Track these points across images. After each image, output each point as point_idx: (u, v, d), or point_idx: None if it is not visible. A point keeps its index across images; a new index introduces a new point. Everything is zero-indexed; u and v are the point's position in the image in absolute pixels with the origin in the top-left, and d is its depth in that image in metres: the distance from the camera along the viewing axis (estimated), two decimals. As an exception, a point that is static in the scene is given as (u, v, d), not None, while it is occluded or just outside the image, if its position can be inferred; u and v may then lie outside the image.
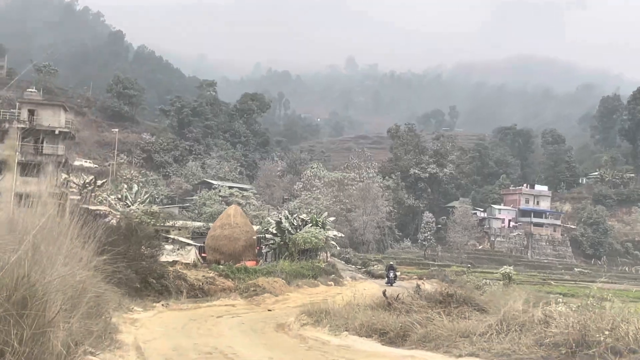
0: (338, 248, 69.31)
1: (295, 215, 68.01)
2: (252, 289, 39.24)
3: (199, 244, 72.39)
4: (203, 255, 70.04)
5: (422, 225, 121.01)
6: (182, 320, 25.25)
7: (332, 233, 65.69)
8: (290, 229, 64.76)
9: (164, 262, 55.90)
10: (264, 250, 71.46)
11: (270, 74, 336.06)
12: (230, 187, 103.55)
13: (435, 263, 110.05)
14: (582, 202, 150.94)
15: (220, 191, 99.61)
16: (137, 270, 36.18)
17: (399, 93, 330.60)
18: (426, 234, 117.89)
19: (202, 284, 42.19)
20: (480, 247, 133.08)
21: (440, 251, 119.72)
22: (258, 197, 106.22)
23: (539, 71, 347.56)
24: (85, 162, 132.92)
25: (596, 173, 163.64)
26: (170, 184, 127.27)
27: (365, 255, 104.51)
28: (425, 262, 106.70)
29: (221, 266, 49.67)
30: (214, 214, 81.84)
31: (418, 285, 28.25)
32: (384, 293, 26.11)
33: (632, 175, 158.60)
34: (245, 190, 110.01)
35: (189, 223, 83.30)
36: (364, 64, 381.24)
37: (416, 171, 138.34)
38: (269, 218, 71.50)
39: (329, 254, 75.10)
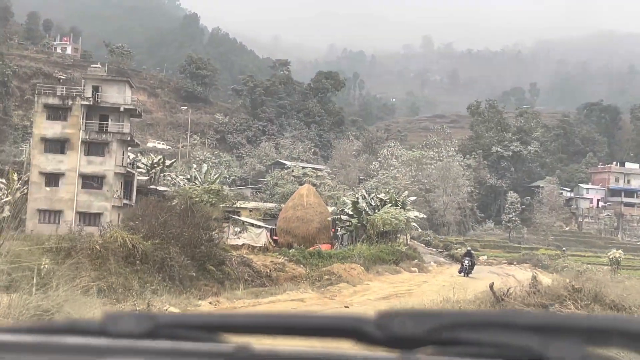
0: (419, 230, 63.27)
1: (372, 195, 62.23)
2: (325, 277, 33.67)
3: (271, 226, 67.59)
4: (275, 238, 65.18)
5: (506, 205, 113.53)
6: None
7: (413, 214, 59.70)
8: (367, 209, 59.05)
9: (232, 245, 51.06)
10: (339, 233, 66.05)
11: (345, 55, 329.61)
12: (303, 167, 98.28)
13: (521, 246, 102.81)
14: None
15: (293, 171, 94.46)
16: (194, 255, 31.04)
17: (477, 71, 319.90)
18: (511, 215, 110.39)
19: (270, 271, 36.87)
20: (567, 229, 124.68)
21: (526, 233, 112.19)
22: (333, 178, 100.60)
23: (622, 47, 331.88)
24: (158, 143, 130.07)
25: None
26: (243, 165, 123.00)
27: (446, 238, 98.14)
28: (510, 245, 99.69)
29: (292, 250, 44.35)
30: (287, 195, 76.75)
31: (534, 277, 22.17)
32: (490, 287, 20.24)
33: None
34: (320, 170, 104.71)
35: (261, 204, 78.49)
36: (440, 42, 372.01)
37: (498, 149, 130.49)
38: (344, 198, 65.96)
39: (408, 237, 69.24)
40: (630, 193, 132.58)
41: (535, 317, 1.36)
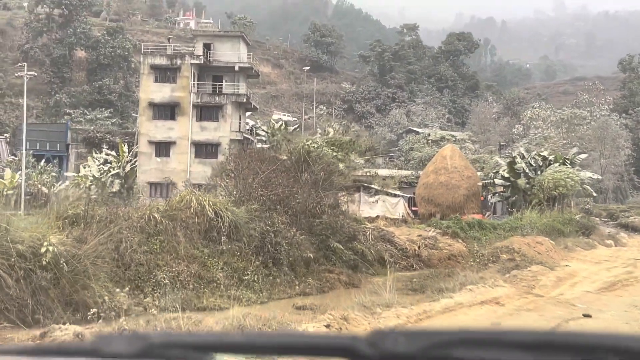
0: (594, 194, 50.39)
1: (533, 153, 50.05)
2: (504, 256, 22.40)
3: (408, 195, 56.80)
4: (414, 209, 54.27)
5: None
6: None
7: (586, 174, 47.26)
8: (527, 170, 46.99)
9: (365, 218, 40.63)
10: (491, 201, 54.33)
11: (474, 22, 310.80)
12: (440, 129, 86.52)
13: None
14: None
15: (430, 135, 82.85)
16: (311, 228, 20.41)
17: (615, 33, 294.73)
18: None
19: (419, 248, 25.85)
20: None
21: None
22: (474, 142, 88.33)
23: None
24: (284, 115, 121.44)
25: None
26: (373, 134, 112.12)
27: (606, 206, 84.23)
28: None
29: (445, 221, 33.15)
30: (424, 160, 65.54)
31: None
32: None
33: None
34: (455, 137, 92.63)
35: (395, 172, 67.59)
36: (573, 4, 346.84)
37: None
38: (496, 158, 54.09)
39: (572, 204, 56.45)
40: None
41: (528, 334, 1.40)
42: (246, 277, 16.76)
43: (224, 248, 16.91)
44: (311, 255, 19.04)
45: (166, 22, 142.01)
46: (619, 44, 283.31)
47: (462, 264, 24.39)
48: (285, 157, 22.59)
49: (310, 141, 27.32)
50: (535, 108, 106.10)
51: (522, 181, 44.19)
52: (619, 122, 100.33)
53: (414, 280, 21.22)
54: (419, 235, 28.50)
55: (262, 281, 17.11)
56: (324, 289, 18.59)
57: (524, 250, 23.00)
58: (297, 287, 17.94)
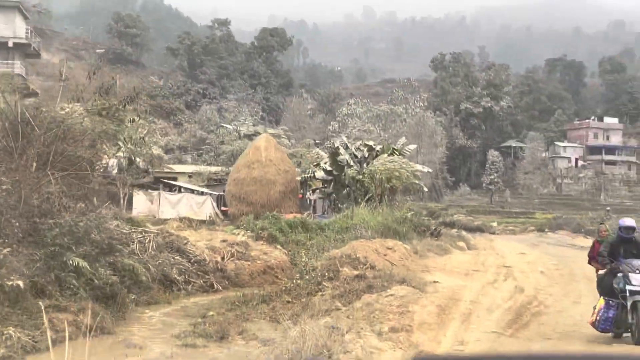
0: (425, 190, 44.52)
1: (358, 143, 43.62)
2: (345, 270, 14.75)
3: (217, 193, 48.95)
4: (223, 209, 46.28)
5: (487, 166, 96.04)
6: None
7: (417, 166, 41.38)
8: (352, 162, 40.29)
9: (166, 219, 32.08)
10: (310, 198, 47.45)
11: (286, 24, 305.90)
12: (254, 125, 79.11)
13: (508, 210, 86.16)
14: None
15: (240, 128, 75.16)
16: (38, 233, 11.61)
17: (421, 39, 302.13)
18: (492, 177, 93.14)
19: (223, 258, 17.63)
20: (545, 191, 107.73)
21: (509, 197, 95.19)
22: (289, 137, 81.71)
23: (565, 11, 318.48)
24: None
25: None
26: (182, 132, 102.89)
27: (425, 204, 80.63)
28: (502, 211, 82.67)
29: (260, 221, 25.22)
30: (236, 154, 57.59)
31: None
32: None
33: None
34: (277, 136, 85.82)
35: (203, 168, 59.33)
36: (382, 11, 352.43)
37: (468, 105, 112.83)
38: (317, 149, 47.29)
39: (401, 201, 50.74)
40: (610, 150, 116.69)
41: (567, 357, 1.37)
42: None
43: None
44: (20, 284, 10.46)
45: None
46: (425, 49, 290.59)
47: (282, 281, 16.74)
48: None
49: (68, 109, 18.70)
50: (351, 104, 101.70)
51: (352, 171, 37.25)
52: (434, 119, 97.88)
53: (211, 313, 13.30)
54: (224, 241, 20.55)
55: None
56: (41, 344, 10.10)
57: (372, 260, 15.71)
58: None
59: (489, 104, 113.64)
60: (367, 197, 33.22)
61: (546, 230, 49.68)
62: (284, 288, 14.85)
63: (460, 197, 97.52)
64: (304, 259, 18.87)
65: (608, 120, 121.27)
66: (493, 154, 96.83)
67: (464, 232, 39.69)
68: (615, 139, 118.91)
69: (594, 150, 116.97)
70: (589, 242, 40.57)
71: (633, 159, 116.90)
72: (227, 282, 18.03)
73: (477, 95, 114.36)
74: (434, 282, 15.06)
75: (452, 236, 30.50)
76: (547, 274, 19.32)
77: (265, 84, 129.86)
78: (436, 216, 66.67)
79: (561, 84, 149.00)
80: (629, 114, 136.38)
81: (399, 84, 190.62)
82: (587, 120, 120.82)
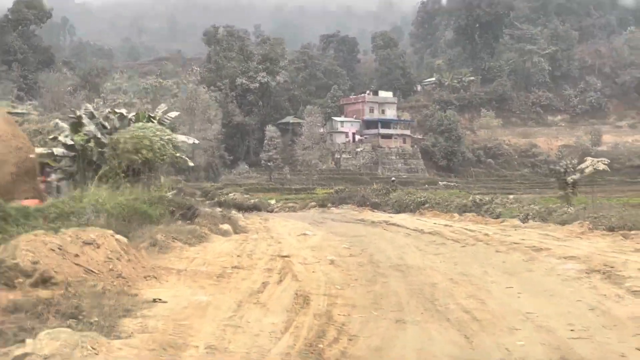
0: (192, 164, 37.48)
1: (107, 111, 35.93)
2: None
3: None
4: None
5: (265, 142, 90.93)
6: None
7: (180, 137, 34.44)
8: (100, 135, 32.56)
9: None
10: (53, 180, 38.88)
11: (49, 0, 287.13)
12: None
13: (288, 187, 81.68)
14: (424, 110, 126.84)
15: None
16: None
17: (196, 18, 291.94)
18: (271, 153, 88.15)
19: None
20: (324, 167, 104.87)
21: (289, 173, 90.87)
22: (41, 113, 71.31)
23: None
24: None
25: (432, 79, 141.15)
26: None
27: (199, 184, 74.18)
28: (281, 188, 77.84)
29: None
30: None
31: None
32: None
33: (472, 78, 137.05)
34: (24, 114, 74.67)
35: None
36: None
37: (244, 81, 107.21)
38: (56, 120, 38.90)
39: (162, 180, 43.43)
40: (386, 124, 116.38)
41: None
42: None
43: None
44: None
45: None
46: (201, 29, 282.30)
47: None
48: None
49: None
50: (116, 79, 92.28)
51: (91, 144, 29.58)
52: (208, 94, 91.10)
53: None
54: None
55: None
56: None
57: (50, 266, 8.59)
58: None
59: (266, 79, 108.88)
60: (103, 172, 25.85)
61: (329, 205, 45.00)
62: None
63: (239, 175, 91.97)
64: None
65: (383, 94, 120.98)
66: (271, 130, 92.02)
67: (234, 212, 33.62)
68: (390, 113, 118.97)
69: (370, 124, 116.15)
70: (378, 215, 36.17)
71: (407, 132, 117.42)
72: None
73: (252, 70, 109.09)
74: (155, 300, 8.50)
75: (215, 217, 24.03)
76: (340, 264, 13.36)
77: (22, 61, 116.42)
78: (211, 196, 60.58)
79: (336, 60, 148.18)
80: (402, 89, 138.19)
81: (172, 60, 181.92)
82: (362, 95, 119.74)
